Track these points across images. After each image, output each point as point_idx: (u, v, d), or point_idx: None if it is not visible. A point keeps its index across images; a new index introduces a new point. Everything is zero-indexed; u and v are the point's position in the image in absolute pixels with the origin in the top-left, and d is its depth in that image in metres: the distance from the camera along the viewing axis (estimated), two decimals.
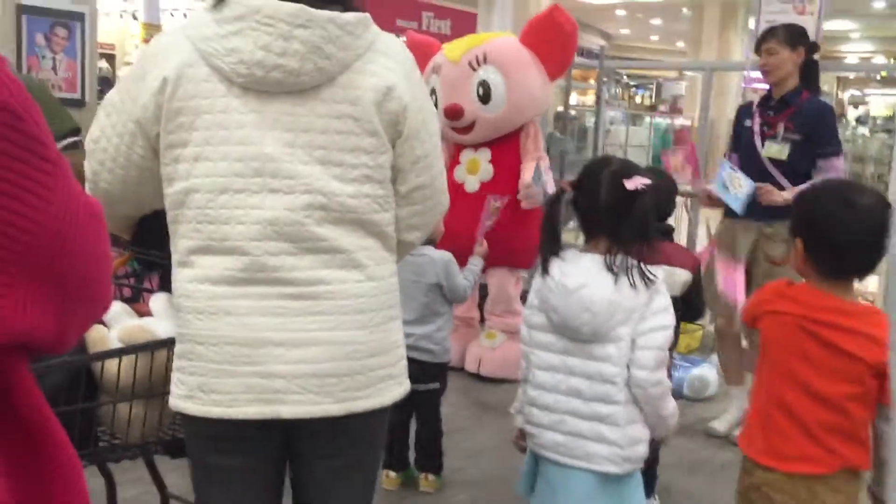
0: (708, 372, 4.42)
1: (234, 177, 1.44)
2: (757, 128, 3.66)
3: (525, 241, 4.35)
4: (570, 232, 2.54)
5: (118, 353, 1.67)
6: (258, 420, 1.46)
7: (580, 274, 1.87)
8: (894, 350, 1.01)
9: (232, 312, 1.45)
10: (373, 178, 1.51)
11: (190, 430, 1.57)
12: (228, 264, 1.45)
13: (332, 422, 1.49)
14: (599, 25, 18.49)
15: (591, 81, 9.75)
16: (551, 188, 4.21)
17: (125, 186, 1.57)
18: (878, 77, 18.53)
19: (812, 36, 3.95)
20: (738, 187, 3.59)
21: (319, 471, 1.58)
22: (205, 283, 1.46)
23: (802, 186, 3.47)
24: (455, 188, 3.96)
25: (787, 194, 3.47)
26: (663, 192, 2.52)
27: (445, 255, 3.09)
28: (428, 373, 3.00)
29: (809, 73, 3.66)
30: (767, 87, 3.80)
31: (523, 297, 4.63)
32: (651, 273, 1.86)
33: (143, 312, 1.84)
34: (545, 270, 1.93)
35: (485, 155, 4.41)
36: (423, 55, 4.43)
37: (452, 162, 4.44)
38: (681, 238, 5.14)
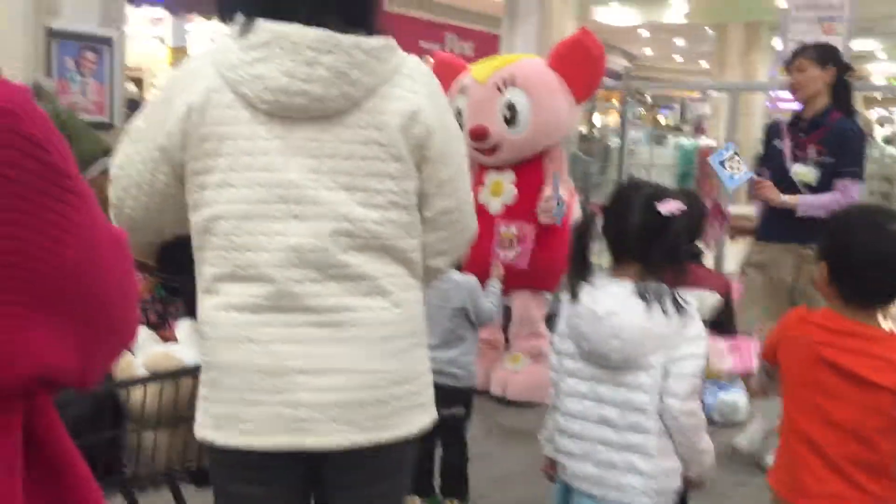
0: (738, 396, 4.35)
1: (258, 203, 1.43)
2: (788, 151, 3.62)
3: (548, 264, 4.33)
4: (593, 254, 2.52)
5: (143, 381, 1.67)
6: (283, 450, 1.44)
7: (610, 300, 1.83)
8: None
9: (256, 340, 1.43)
10: (398, 204, 1.50)
11: (214, 459, 1.55)
12: (253, 291, 1.44)
13: (357, 452, 1.46)
14: (623, 46, 18.49)
15: (614, 102, 9.72)
16: (564, 195, 4.20)
17: (148, 213, 1.56)
18: None
19: None
20: (736, 169, 3.65)
21: (345, 502, 1.55)
22: (229, 310, 1.45)
23: (809, 197, 3.47)
24: (478, 210, 3.95)
25: (786, 197, 3.53)
26: (695, 216, 2.49)
27: (471, 280, 3.07)
28: (453, 398, 2.97)
29: (841, 93, 3.62)
30: (793, 106, 3.78)
31: (548, 320, 4.62)
32: (684, 300, 1.82)
33: (169, 338, 1.84)
34: (574, 296, 1.90)
35: (509, 177, 4.39)
36: (449, 75, 4.44)
37: (476, 184, 4.43)
38: (707, 260, 5.08)
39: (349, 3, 1.49)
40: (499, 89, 4.29)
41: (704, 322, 2.16)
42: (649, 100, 16.60)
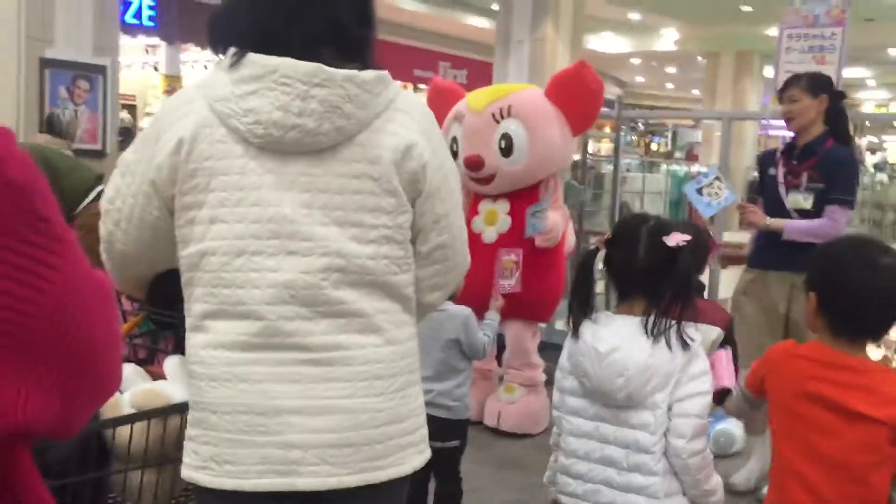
0: (734, 427, 4.31)
1: (250, 239, 1.41)
2: (781, 177, 3.62)
3: (539, 294, 4.31)
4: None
5: (129, 419, 1.63)
6: (274, 491, 1.41)
7: (613, 337, 1.80)
8: None
9: (246, 379, 1.40)
10: (392, 239, 1.47)
11: (202, 501, 1.51)
12: (242, 329, 1.41)
13: (349, 493, 1.43)
14: (614, 73, 18.62)
15: (607, 129, 9.76)
16: (548, 210, 4.20)
17: (139, 246, 1.53)
18: (895, 124, 18.52)
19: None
20: (715, 196, 3.61)
21: None
22: (218, 348, 1.42)
23: (796, 221, 3.47)
24: (473, 239, 3.93)
25: (771, 221, 3.54)
26: (701, 248, 2.46)
27: (464, 311, 3.03)
28: (447, 430, 2.93)
29: (837, 121, 3.62)
30: (784, 133, 3.79)
31: (541, 349, 4.59)
32: (689, 336, 1.79)
33: (157, 374, 1.80)
34: (576, 334, 1.86)
35: (503, 206, 4.37)
36: (446, 101, 4.43)
37: (471, 212, 4.40)
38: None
39: (342, 36, 1.47)
40: (496, 119, 4.27)
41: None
42: (641, 127, 16.70)
